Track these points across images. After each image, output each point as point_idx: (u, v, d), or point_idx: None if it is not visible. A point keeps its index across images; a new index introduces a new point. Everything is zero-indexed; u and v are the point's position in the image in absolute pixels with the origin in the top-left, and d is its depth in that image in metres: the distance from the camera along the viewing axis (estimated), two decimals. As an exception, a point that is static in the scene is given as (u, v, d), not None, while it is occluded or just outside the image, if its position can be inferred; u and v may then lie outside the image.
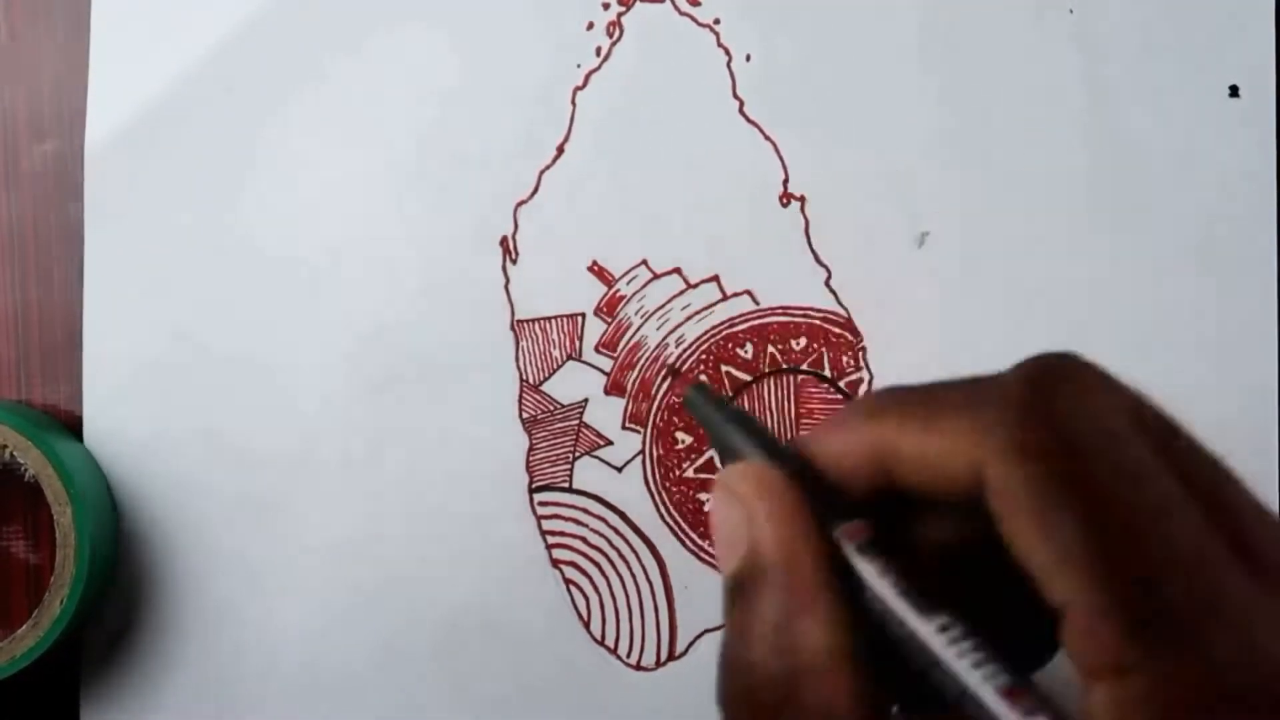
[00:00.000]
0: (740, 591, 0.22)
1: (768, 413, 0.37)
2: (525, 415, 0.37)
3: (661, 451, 0.37)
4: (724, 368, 0.38)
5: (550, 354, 0.37)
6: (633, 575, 0.37)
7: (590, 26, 0.38)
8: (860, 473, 0.22)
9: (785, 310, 0.38)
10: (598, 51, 0.38)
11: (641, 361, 0.38)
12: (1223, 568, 0.19)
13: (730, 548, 0.22)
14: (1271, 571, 0.19)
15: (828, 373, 0.37)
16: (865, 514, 0.22)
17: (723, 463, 0.24)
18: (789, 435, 0.37)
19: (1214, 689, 0.17)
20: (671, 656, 0.37)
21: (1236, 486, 0.21)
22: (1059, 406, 0.20)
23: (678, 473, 0.37)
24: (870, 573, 0.21)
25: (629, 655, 0.37)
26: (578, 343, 0.38)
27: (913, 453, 0.21)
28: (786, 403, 0.37)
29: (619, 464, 0.37)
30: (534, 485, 0.37)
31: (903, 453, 0.22)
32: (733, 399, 0.37)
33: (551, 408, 0.37)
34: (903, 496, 0.22)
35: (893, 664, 0.21)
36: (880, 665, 0.21)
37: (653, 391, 0.38)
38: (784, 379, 0.38)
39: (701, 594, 0.37)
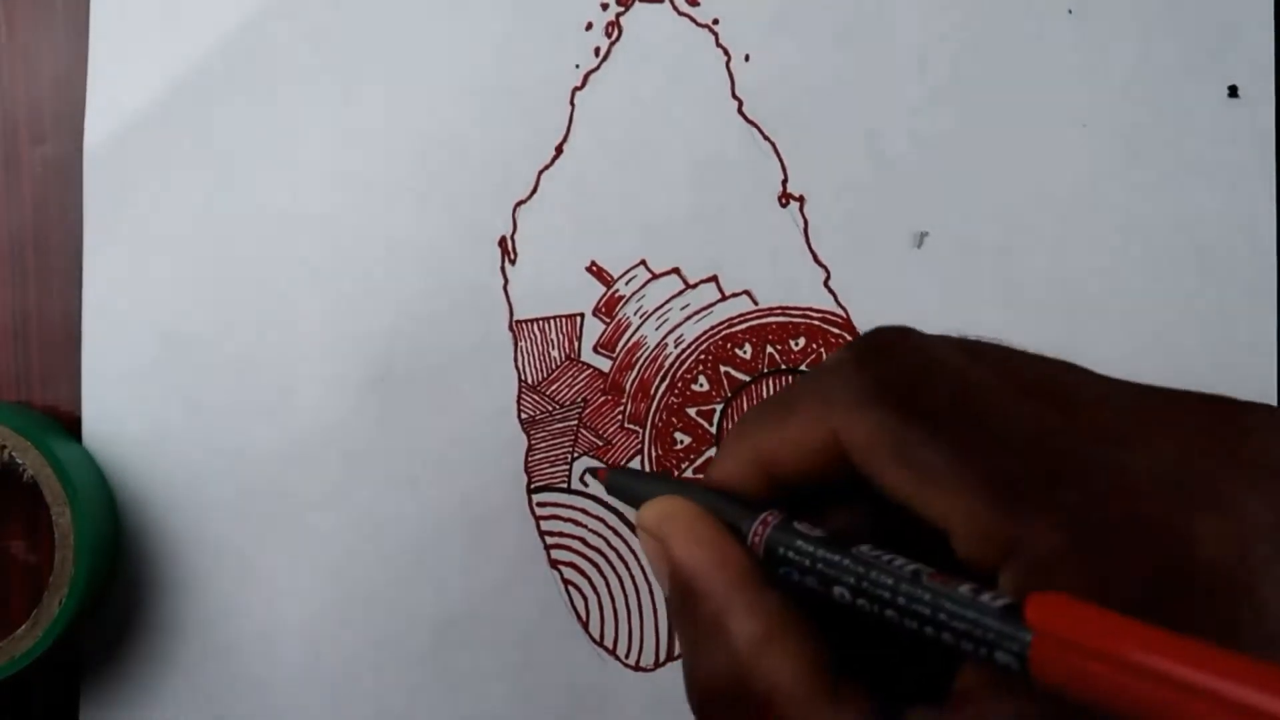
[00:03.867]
0: (678, 610, 0.23)
1: (767, 413, 0.37)
2: (524, 416, 0.37)
3: (660, 452, 0.37)
4: (723, 368, 0.38)
5: (549, 354, 0.37)
6: (631, 576, 0.37)
7: (589, 27, 0.38)
8: (754, 484, 0.24)
9: (784, 310, 0.38)
10: (596, 52, 0.38)
11: (640, 362, 0.38)
12: (1065, 436, 0.21)
13: (660, 576, 0.24)
14: (1116, 430, 0.21)
15: (827, 373, 0.37)
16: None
17: None
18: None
19: (1080, 536, 0.19)
20: (670, 657, 0.37)
21: (1079, 374, 0.23)
22: (884, 357, 0.22)
23: (676, 473, 0.37)
24: (789, 541, 0.23)
25: (627, 656, 0.37)
26: (576, 343, 0.38)
27: (782, 448, 0.23)
28: (785, 403, 0.37)
29: (618, 464, 0.37)
30: (533, 486, 0.37)
31: (776, 452, 0.23)
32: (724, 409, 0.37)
33: (550, 408, 0.37)
34: (805, 495, 0.24)
35: (840, 629, 0.22)
36: (830, 635, 0.22)
37: (651, 392, 0.38)
38: (783, 379, 0.37)
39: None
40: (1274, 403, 0.37)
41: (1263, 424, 0.21)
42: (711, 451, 0.37)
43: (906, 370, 0.22)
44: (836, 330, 0.38)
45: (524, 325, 0.37)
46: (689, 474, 0.37)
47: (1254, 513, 0.20)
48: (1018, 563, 0.19)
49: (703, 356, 0.38)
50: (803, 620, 0.22)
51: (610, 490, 0.30)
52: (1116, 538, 0.19)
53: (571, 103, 0.38)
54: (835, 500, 0.24)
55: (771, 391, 0.37)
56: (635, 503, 0.27)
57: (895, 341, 0.23)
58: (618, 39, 0.38)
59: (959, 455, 0.20)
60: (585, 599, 0.37)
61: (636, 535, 0.25)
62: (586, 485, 0.37)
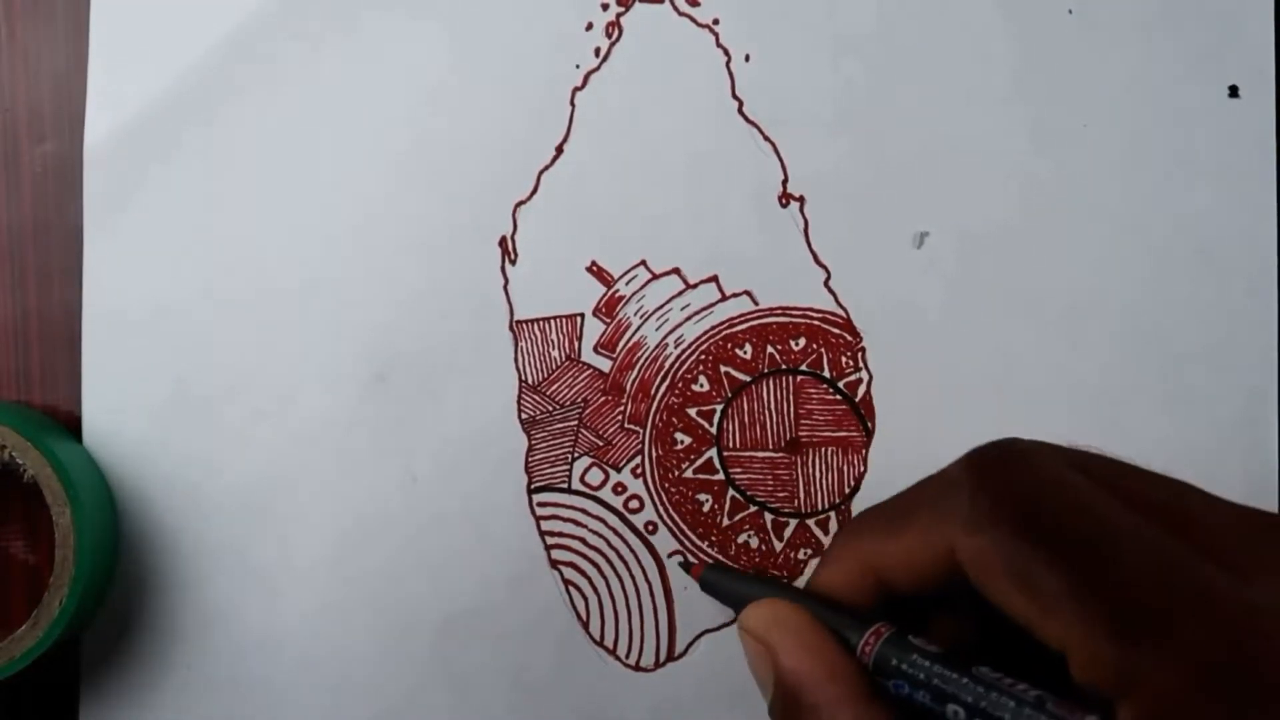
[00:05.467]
0: (781, 719, 0.23)
1: (767, 413, 0.37)
2: (524, 416, 0.37)
3: (660, 452, 0.37)
4: (723, 368, 0.38)
5: (549, 354, 0.37)
6: (631, 576, 0.37)
7: (589, 27, 0.38)
8: (863, 592, 0.24)
9: (784, 310, 0.38)
10: (597, 52, 0.38)
11: (640, 362, 0.38)
12: (1189, 569, 0.20)
13: (763, 682, 0.24)
14: (1239, 563, 0.21)
15: (827, 373, 0.37)
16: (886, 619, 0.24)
17: None
18: (789, 433, 0.37)
19: (1208, 676, 0.19)
20: (670, 657, 0.37)
21: (1197, 497, 0.23)
22: (1002, 476, 0.22)
23: (677, 473, 0.37)
24: (903, 654, 0.23)
25: (628, 656, 0.37)
26: (577, 343, 0.38)
27: (894, 559, 0.23)
28: (785, 403, 0.37)
29: (618, 464, 0.37)
30: (533, 486, 0.37)
31: (887, 562, 0.24)
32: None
33: (550, 408, 0.37)
34: (908, 603, 0.24)
35: None
36: None
37: (651, 392, 0.38)
38: (783, 379, 0.37)
39: (701, 595, 0.37)
40: (1274, 405, 0.37)
41: None
42: (712, 452, 0.37)
43: (1025, 489, 0.22)
44: (836, 330, 0.38)
45: (524, 325, 0.37)
46: (689, 474, 0.37)
47: None
48: (1141, 697, 0.19)
49: (703, 357, 0.38)
50: None
51: (705, 588, 0.30)
52: (1243, 679, 0.19)
53: (571, 103, 0.38)
54: (936, 609, 0.24)
55: (771, 393, 0.37)
56: (733, 603, 0.27)
57: (1012, 458, 0.23)
58: (618, 39, 0.38)
59: (1080, 580, 0.20)
60: (585, 599, 0.37)
61: (739, 638, 0.25)
62: (686, 567, 0.37)
